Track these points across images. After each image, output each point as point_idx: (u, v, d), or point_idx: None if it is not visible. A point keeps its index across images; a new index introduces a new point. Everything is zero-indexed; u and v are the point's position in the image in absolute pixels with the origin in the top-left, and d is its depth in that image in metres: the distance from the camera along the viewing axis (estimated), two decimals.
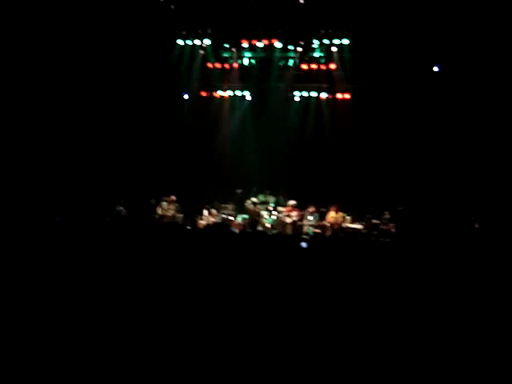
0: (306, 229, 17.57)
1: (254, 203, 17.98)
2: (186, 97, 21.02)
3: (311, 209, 17.72)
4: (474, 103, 16.60)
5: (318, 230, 17.27)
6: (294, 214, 17.67)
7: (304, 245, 6.77)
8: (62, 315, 4.42)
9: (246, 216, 18.21)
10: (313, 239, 9.03)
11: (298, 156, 19.61)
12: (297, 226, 17.70)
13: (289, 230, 17.25)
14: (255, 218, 17.51)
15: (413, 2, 16.12)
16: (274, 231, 16.77)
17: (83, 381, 3.55)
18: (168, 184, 19.02)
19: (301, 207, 17.98)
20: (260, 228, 17.26)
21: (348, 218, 17.47)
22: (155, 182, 19.04)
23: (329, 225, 17.27)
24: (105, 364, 3.75)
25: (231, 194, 18.63)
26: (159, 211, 18.32)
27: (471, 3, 15.55)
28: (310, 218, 17.69)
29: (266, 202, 18.39)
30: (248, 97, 20.22)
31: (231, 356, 3.93)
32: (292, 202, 17.87)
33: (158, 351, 3.93)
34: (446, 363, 3.95)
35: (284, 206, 18.14)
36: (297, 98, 20.10)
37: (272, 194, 18.60)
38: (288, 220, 17.60)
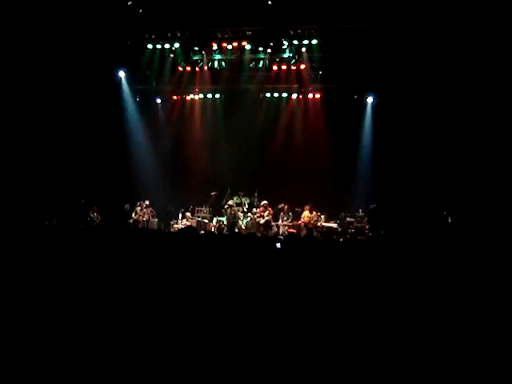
0: (281, 229, 17.67)
1: (230, 206, 17.98)
2: (158, 101, 20.97)
3: (286, 207, 17.82)
4: (450, 100, 16.74)
5: (293, 230, 17.35)
6: (266, 213, 17.74)
7: (278, 245, 6.79)
8: (36, 326, 4.38)
9: (221, 218, 18.24)
10: (287, 239, 9.05)
11: (271, 157, 19.67)
12: (272, 226, 17.79)
13: (263, 231, 17.31)
14: (233, 220, 17.56)
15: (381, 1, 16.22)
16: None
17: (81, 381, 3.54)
18: (142, 189, 18.96)
19: (274, 207, 18.07)
20: (237, 230, 17.31)
21: (322, 217, 17.58)
22: (129, 188, 18.94)
23: (303, 224, 17.35)
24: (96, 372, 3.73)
25: (206, 197, 18.59)
26: (134, 216, 18.27)
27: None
28: (285, 218, 17.79)
29: (240, 204, 18.41)
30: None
31: (211, 360, 3.93)
32: (263, 202, 17.94)
33: (136, 358, 3.92)
34: (435, 361, 3.99)
35: (258, 207, 18.21)
36: (268, 99, 20.13)
37: (246, 195, 18.62)
38: (262, 221, 17.66)
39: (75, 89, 18.48)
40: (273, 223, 17.85)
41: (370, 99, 19.10)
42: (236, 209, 18.07)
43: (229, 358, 3.88)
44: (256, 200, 18.46)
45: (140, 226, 17.89)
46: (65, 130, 18.49)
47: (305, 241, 8.81)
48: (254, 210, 18.19)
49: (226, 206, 18.01)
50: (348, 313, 4.70)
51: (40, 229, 10.04)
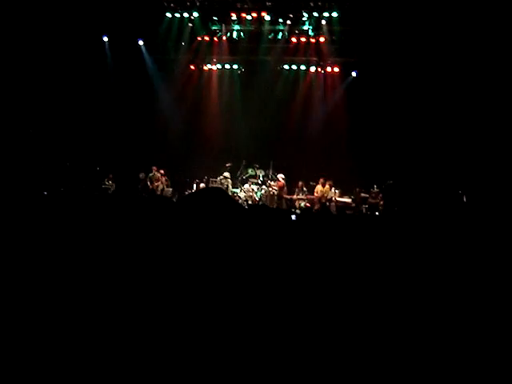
0: (297, 203, 17.65)
1: (225, 177, 17.98)
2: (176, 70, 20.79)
3: (300, 183, 17.78)
4: (463, 80, 16.55)
5: (308, 204, 17.34)
6: (275, 185, 17.72)
7: (294, 217, 6.77)
8: (49, 294, 4.40)
9: (235, 190, 18.25)
10: (301, 213, 9.06)
11: (287, 130, 19.58)
12: (287, 200, 17.79)
13: (277, 204, 17.29)
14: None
15: None
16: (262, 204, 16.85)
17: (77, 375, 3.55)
18: (157, 158, 18.99)
19: (290, 181, 18.05)
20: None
21: (336, 191, 17.52)
22: (144, 157, 18.99)
23: (317, 198, 17.31)
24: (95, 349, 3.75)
25: (220, 168, 18.58)
26: (149, 184, 18.33)
27: None
28: (300, 193, 17.78)
29: (255, 176, 18.41)
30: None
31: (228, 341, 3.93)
32: (280, 176, 17.90)
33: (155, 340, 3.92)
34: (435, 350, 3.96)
35: (273, 180, 18.19)
36: (286, 71, 20.00)
37: (261, 167, 18.59)
38: (274, 192, 17.66)
39: (94, 57, 18.50)
40: (286, 196, 17.82)
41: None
42: (229, 181, 18.05)
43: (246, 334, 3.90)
44: (271, 172, 18.43)
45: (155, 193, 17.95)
46: (83, 98, 18.53)
47: (317, 215, 8.79)
48: (269, 182, 18.15)
49: (219, 178, 17.99)
50: (363, 292, 4.69)
51: (55, 195, 10.09)
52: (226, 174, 18.08)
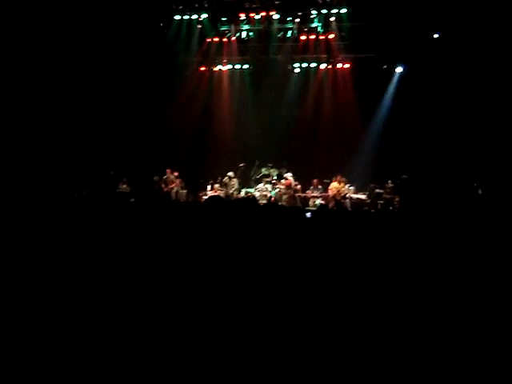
0: (311, 202, 17.64)
1: (229, 177, 18.01)
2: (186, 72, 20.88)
3: (315, 181, 17.78)
4: (475, 73, 16.46)
5: (323, 202, 17.33)
6: (283, 184, 17.77)
7: (308, 215, 6.77)
8: (64, 296, 4.46)
9: (250, 190, 18.26)
10: (317, 210, 9.05)
11: (300, 128, 19.58)
12: (301, 198, 17.80)
13: (290, 202, 17.30)
14: (227, 193, 17.63)
15: None
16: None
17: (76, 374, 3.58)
18: (171, 161, 19.05)
19: (304, 180, 18.06)
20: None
21: (351, 187, 17.50)
22: (157, 159, 19.07)
23: (331, 195, 17.30)
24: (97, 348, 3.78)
25: (234, 169, 18.60)
26: (163, 187, 18.39)
27: None
28: (315, 191, 17.77)
29: (268, 176, 18.42)
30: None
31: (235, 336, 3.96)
32: (288, 175, 17.92)
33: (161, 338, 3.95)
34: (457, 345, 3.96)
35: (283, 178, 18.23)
36: (296, 70, 19.99)
37: (274, 167, 18.60)
38: (282, 191, 17.69)
39: (105, 61, 18.59)
40: (300, 194, 17.84)
41: (399, 69, 18.82)
42: (234, 180, 18.08)
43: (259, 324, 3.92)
44: (285, 171, 18.44)
45: (169, 197, 18.01)
46: (96, 103, 18.63)
47: (332, 212, 8.79)
48: (283, 181, 18.17)
49: (224, 178, 18.01)
50: (378, 288, 4.68)
51: (70, 200, 10.17)
52: (231, 174, 18.09)
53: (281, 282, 4.57)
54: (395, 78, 18.89)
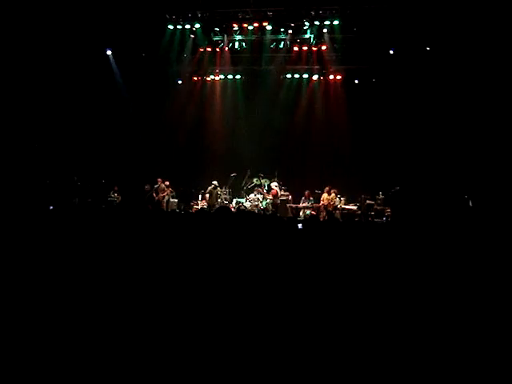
0: (302, 212, 17.67)
1: (215, 186, 17.97)
2: (179, 82, 20.94)
3: (307, 192, 17.80)
4: (467, 84, 16.57)
5: (314, 212, 17.34)
6: (269, 194, 17.79)
7: (300, 226, 6.77)
8: (55, 304, 4.42)
9: (241, 200, 18.24)
10: (308, 221, 9.05)
11: (291, 139, 19.64)
12: (292, 209, 17.83)
13: (282, 213, 17.31)
14: (213, 202, 17.61)
15: None
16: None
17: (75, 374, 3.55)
18: (162, 170, 19.03)
19: (295, 191, 18.10)
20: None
21: (342, 198, 17.54)
22: (149, 168, 19.06)
23: (323, 206, 17.33)
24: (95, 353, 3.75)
25: (225, 179, 18.59)
26: (154, 196, 18.36)
27: None
28: (306, 202, 17.79)
29: (260, 186, 18.40)
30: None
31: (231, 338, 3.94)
32: (273, 184, 17.92)
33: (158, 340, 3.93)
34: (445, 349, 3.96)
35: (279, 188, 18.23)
36: (288, 81, 20.05)
37: (266, 177, 18.59)
38: (277, 201, 17.69)
39: (99, 70, 18.62)
40: (291, 204, 17.89)
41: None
42: (218, 189, 18.05)
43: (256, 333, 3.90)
44: (276, 182, 18.45)
45: (160, 206, 17.98)
46: (88, 111, 18.61)
47: (323, 223, 8.79)
48: (281, 192, 18.17)
49: (210, 187, 17.95)
50: (371, 296, 4.68)
51: (61, 209, 10.12)
52: (215, 183, 18.05)
53: (272, 291, 4.55)
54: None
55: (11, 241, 5.80)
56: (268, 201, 17.85)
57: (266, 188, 18.36)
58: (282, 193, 18.06)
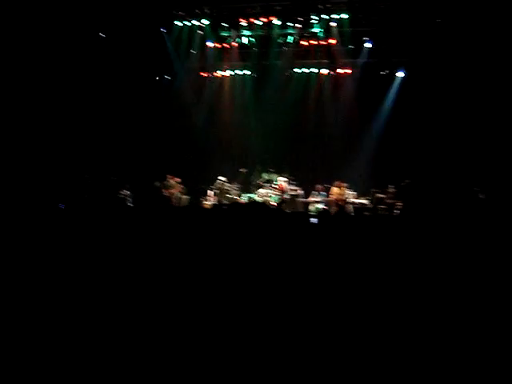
0: (312, 207, 17.63)
1: (222, 181, 17.98)
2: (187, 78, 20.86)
3: (318, 186, 17.76)
4: (475, 78, 16.49)
5: (325, 207, 17.31)
6: (277, 188, 17.79)
7: (314, 220, 6.75)
8: (67, 303, 4.44)
9: (251, 195, 18.23)
10: (319, 216, 9.03)
11: (301, 133, 19.59)
12: (303, 203, 17.81)
13: (293, 207, 17.29)
14: (222, 198, 17.62)
15: None
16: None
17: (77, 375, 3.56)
18: (172, 166, 19.04)
19: (306, 185, 18.06)
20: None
21: (353, 193, 17.47)
22: (159, 165, 19.08)
23: (333, 201, 17.28)
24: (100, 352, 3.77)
25: (235, 174, 18.58)
26: (165, 193, 18.36)
27: None
28: (318, 196, 17.75)
29: (270, 181, 18.38)
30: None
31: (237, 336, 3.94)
32: (281, 179, 17.91)
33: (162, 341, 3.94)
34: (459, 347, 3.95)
35: (290, 183, 18.22)
36: (297, 75, 19.98)
37: (276, 172, 18.56)
38: (287, 196, 17.69)
39: (108, 65, 18.67)
40: (302, 199, 17.87)
41: (400, 74, 18.80)
42: (226, 185, 18.06)
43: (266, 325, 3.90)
44: (286, 177, 18.42)
45: (170, 203, 17.98)
46: (98, 108, 18.66)
47: (335, 217, 8.78)
48: (289, 186, 18.16)
49: (218, 184, 17.95)
50: (383, 292, 4.67)
51: (71, 206, 10.17)
52: (222, 178, 18.05)
53: (284, 284, 4.55)
54: (396, 83, 18.83)
55: (21, 239, 5.83)
56: (279, 195, 17.84)
57: (277, 183, 18.33)
58: (292, 187, 18.05)
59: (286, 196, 17.64)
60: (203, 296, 4.45)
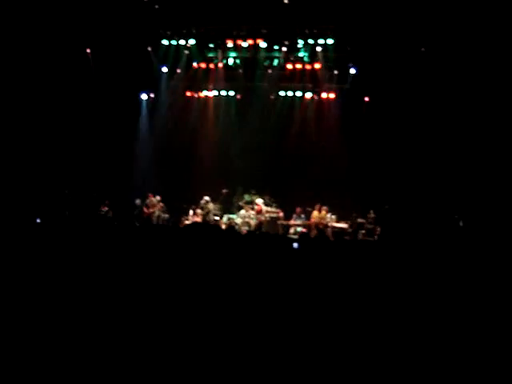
0: (292, 229, 17.63)
1: (206, 201, 17.99)
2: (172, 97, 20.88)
3: (298, 209, 17.78)
4: (458, 107, 16.71)
5: (304, 230, 17.30)
6: (254, 210, 17.84)
7: (296, 245, 6.74)
8: (43, 318, 4.37)
9: (232, 216, 18.20)
10: (299, 239, 9.03)
11: (284, 155, 19.65)
12: (283, 226, 17.82)
13: (273, 230, 17.29)
14: (205, 217, 17.64)
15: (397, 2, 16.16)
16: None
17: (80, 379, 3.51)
18: (153, 184, 18.99)
19: (287, 208, 18.09)
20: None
21: (333, 216, 17.50)
22: (140, 183, 19.04)
23: (313, 224, 17.30)
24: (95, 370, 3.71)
25: (217, 195, 18.54)
26: (145, 211, 18.31)
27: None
28: (298, 220, 17.77)
29: (251, 202, 18.38)
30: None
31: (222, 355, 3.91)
32: (259, 201, 17.97)
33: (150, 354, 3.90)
34: (431, 364, 3.95)
35: (270, 205, 18.23)
36: (282, 98, 20.08)
37: (257, 194, 18.57)
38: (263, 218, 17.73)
39: (92, 81, 18.67)
40: (283, 221, 17.90)
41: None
42: (211, 205, 18.07)
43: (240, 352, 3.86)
44: (268, 198, 18.43)
45: (150, 221, 17.92)
46: (81, 125, 18.61)
47: (315, 241, 8.78)
48: (266, 208, 18.16)
49: (202, 202, 17.98)
50: (355, 312, 4.66)
51: (50, 222, 10.07)
52: (207, 198, 18.06)
53: (261, 308, 4.53)
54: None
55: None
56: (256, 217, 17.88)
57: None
58: (270, 209, 18.09)
59: (262, 218, 17.68)
60: (180, 312, 4.40)
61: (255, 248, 6.12)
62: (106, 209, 18.24)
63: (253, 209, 18.10)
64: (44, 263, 5.61)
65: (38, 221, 9.81)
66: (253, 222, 17.68)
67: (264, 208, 17.92)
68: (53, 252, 6.02)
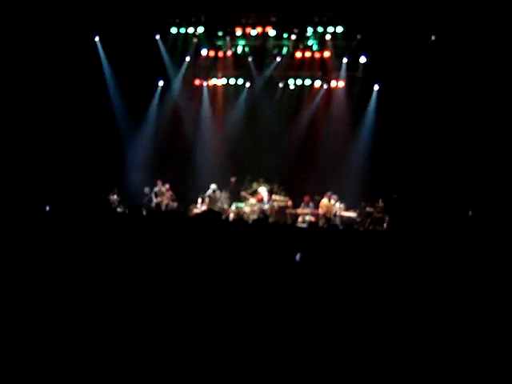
0: (301, 218, 17.61)
1: (214, 190, 18.00)
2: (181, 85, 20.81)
3: (306, 198, 17.75)
4: (469, 96, 16.60)
5: (313, 219, 17.28)
6: (255, 198, 17.85)
7: (298, 257, 6.61)
8: (51, 309, 4.38)
9: (240, 205, 18.19)
10: (307, 228, 9.02)
11: (293, 144, 19.57)
12: (291, 214, 17.82)
13: (281, 218, 17.28)
14: (212, 206, 17.64)
15: None
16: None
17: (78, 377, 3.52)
18: (162, 173, 18.99)
19: (296, 196, 18.08)
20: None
21: (341, 205, 17.45)
22: (149, 171, 19.06)
23: (322, 213, 17.26)
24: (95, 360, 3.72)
25: (225, 183, 18.53)
26: (154, 199, 18.34)
27: None
28: (306, 207, 17.74)
29: (255, 192, 18.36)
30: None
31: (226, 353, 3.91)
32: (261, 189, 17.97)
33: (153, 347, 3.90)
34: (442, 360, 3.93)
35: (279, 194, 18.23)
36: (291, 86, 20.00)
37: (266, 182, 18.55)
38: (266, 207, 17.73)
39: (99, 74, 18.73)
40: (291, 210, 17.89)
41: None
42: (218, 193, 18.11)
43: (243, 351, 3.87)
44: (276, 187, 18.41)
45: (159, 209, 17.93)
46: (90, 113, 18.62)
47: (323, 231, 8.76)
48: (275, 196, 18.15)
49: (209, 191, 17.98)
50: (371, 307, 4.65)
51: (59, 209, 10.10)
52: (213, 187, 18.06)
53: (268, 299, 4.52)
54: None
55: (6, 242, 5.78)
56: (269, 205, 17.86)
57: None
58: (279, 198, 18.08)
59: (264, 207, 17.68)
60: (187, 304, 4.40)
61: (263, 238, 6.10)
62: (115, 197, 18.30)
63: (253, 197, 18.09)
64: (53, 250, 5.62)
65: (48, 208, 9.84)
66: (257, 209, 17.69)
67: (266, 197, 17.90)
68: (62, 239, 6.04)
